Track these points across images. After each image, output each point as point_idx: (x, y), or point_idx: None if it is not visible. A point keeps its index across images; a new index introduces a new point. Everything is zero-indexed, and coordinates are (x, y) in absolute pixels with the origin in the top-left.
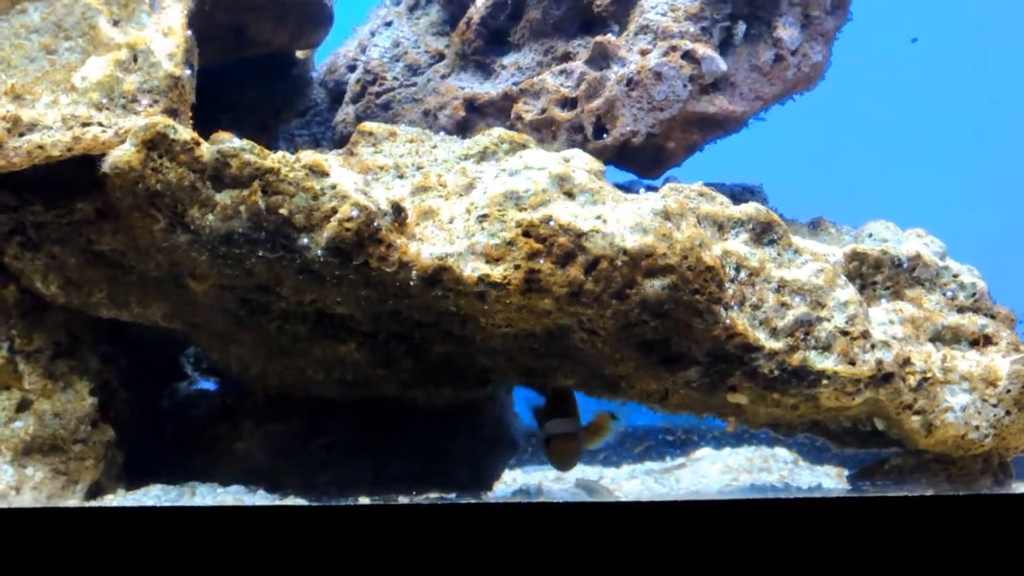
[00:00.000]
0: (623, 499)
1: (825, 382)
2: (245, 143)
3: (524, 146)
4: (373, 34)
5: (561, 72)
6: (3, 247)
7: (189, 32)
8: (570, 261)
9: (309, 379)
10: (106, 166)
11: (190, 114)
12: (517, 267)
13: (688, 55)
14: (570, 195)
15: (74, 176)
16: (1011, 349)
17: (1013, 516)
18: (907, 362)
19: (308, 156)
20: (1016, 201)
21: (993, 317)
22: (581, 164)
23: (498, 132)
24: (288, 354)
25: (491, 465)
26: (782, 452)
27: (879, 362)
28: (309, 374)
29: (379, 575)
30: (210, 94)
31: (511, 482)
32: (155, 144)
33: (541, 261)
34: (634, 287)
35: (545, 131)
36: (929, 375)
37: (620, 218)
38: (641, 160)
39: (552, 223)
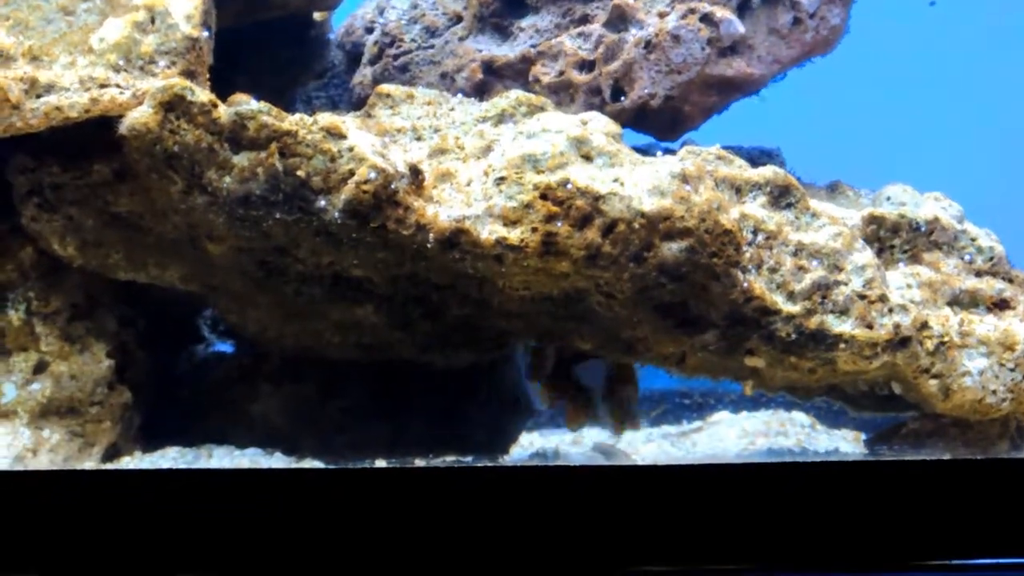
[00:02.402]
0: (640, 463)
1: (842, 346)
2: (263, 105)
3: (542, 109)
4: None
5: (579, 35)
6: (20, 208)
7: None
8: (587, 224)
9: (326, 342)
10: (123, 128)
11: (208, 76)
12: (534, 230)
13: (706, 18)
14: (588, 158)
15: (91, 138)
16: None
17: None
18: (924, 326)
19: (325, 118)
20: None
21: (1011, 281)
22: (599, 127)
23: (516, 95)
24: (305, 316)
25: (508, 428)
26: (799, 416)
27: (896, 326)
28: (326, 337)
29: (396, 538)
30: (228, 56)
31: (528, 445)
32: (173, 106)
33: (559, 224)
34: (651, 250)
35: (563, 94)
36: (946, 339)
37: (638, 181)
38: (659, 123)
39: (569, 186)
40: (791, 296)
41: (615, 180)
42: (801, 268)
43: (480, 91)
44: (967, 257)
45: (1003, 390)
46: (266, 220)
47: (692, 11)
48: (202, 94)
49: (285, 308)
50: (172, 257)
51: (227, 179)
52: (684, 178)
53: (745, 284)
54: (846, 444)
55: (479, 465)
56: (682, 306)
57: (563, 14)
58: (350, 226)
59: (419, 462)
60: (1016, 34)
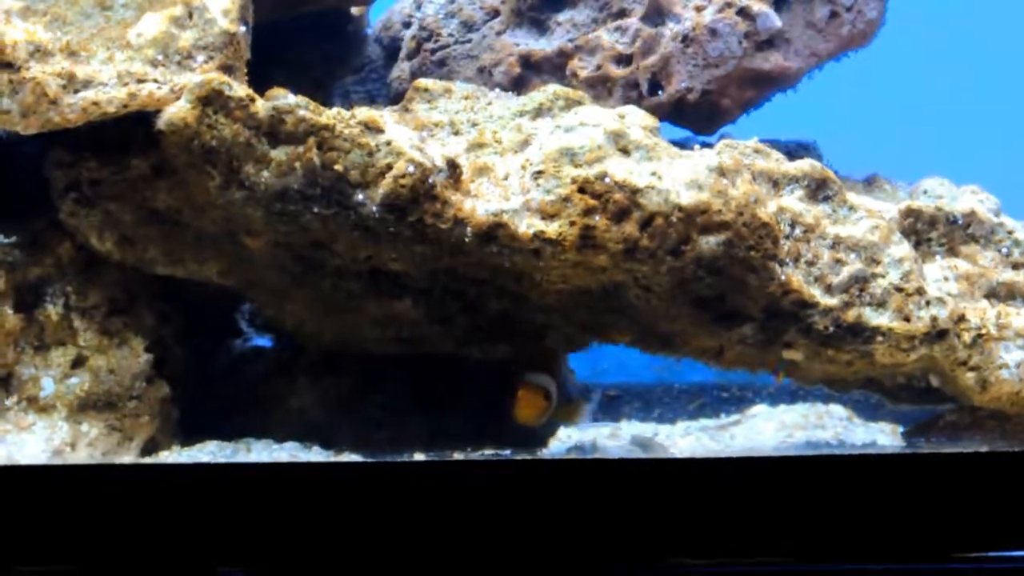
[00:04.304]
0: (678, 456)
1: (880, 338)
2: (300, 99)
3: (579, 103)
4: None
5: (616, 29)
6: (58, 204)
7: None
8: (625, 218)
9: (364, 336)
10: (161, 123)
11: (245, 71)
12: (572, 224)
13: (743, 12)
14: (625, 151)
15: (129, 133)
16: None
17: None
18: (962, 319)
19: (363, 112)
20: None
21: None
22: (636, 121)
23: (553, 89)
24: (343, 311)
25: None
26: (837, 409)
27: (934, 319)
28: (364, 331)
29: (435, 531)
30: (265, 51)
31: (566, 439)
32: (210, 101)
33: (596, 218)
34: (689, 243)
35: (600, 88)
36: (984, 331)
37: (675, 175)
38: (696, 117)
39: (607, 180)
40: (829, 289)
41: (653, 174)
42: (839, 261)
43: (517, 85)
44: (1004, 250)
45: None
46: (304, 214)
47: (729, 5)
48: (240, 89)
49: (323, 302)
50: (210, 252)
51: (265, 173)
52: (721, 172)
53: (783, 277)
54: (884, 437)
55: (518, 458)
56: (720, 299)
57: (600, 8)
58: (388, 220)
59: (457, 455)
60: None
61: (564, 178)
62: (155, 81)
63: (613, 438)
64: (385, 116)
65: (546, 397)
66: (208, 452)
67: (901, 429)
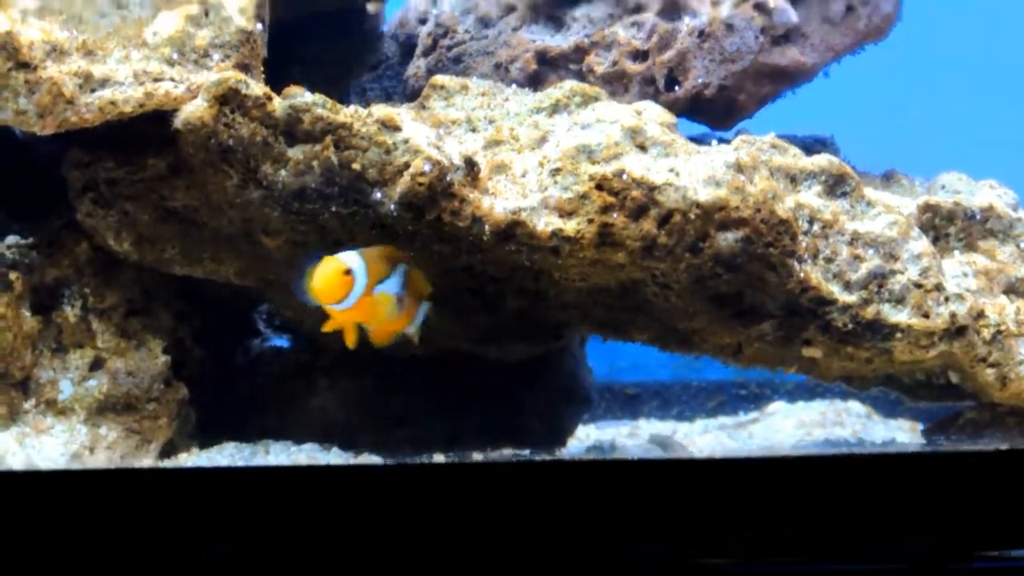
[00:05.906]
0: (697, 455)
1: (899, 335)
2: (317, 97)
3: (596, 99)
4: None
5: (632, 24)
6: (76, 204)
7: None
8: (643, 215)
9: None
10: (178, 122)
11: (262, 69)
12: (590, 221)
13: (759, 6)
14: (643, 148)
15: (146, 132)
16: None
17: None
18: (981, 315)
19: (380, 110)
20: None
21: None
22: (653, 116)
23: (570, 85)
24: None
25: (565, 420)
26: (855, 406)
27: (953, 315)
28: None
29: (455, 532)
30: (281, 49)
31: (584, 438)
32: (227, 99)
33: (614, 215)
34: (707, 240)
35: (617, 84)
36: (1003, 328)
37: (693, 171)
38: (713, 112)
39: (625, 176)
40: (847, 286)
41: (670, 170)
42: (857, 257)
43: (534, 81)
44: (1022, 245)
45: None
46: (322, 213)
47: None
48: (256, 87)
49: None
50: (228, 252)
51: (282, 172)
52: (739, 168)
53: (801, 274)
54: (903, 434)
55: (537, 458)
56: (738, 296)
57: (616, 3)
58: (406, 219)
59: (477, 455)
60: None
61: (582, 175)
62: (172, 80)
63: (632, 437)
64: (402, 114)
65: (347, 273)
66: (226, 454)
67: (921, 426)
